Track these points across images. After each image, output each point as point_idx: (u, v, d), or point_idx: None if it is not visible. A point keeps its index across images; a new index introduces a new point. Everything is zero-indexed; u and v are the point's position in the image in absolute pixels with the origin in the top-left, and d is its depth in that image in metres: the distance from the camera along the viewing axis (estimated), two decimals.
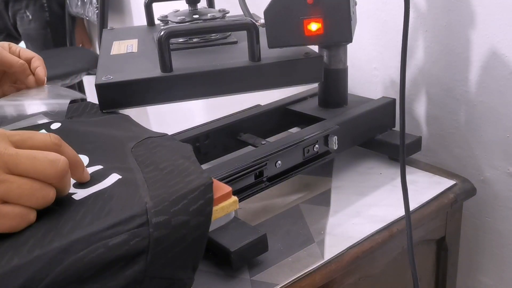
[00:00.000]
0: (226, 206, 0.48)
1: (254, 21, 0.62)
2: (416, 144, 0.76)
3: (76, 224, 0.39)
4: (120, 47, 0.74)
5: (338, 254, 0.58)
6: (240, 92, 0.64)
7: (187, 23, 0.71)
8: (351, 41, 0.63)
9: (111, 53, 0.71)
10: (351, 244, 0.59)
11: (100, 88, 0.60)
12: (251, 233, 0.55)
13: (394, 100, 0.78)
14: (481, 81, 0.73)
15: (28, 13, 1.95)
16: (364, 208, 0.66)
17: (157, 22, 0.83)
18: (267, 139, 0.73)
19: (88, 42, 2.21)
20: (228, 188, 0.49)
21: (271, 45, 0.64)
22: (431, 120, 0.82)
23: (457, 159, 0.80)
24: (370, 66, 0.89)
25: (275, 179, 0.64)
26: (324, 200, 0.68)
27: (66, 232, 0.38)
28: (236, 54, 0.67)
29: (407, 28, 0.59)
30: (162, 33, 0.59)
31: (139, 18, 1.75)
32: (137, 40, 0.77)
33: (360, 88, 0.91)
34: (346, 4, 0.61)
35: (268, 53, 0.65)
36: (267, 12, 0.62)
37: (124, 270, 0.37)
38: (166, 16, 0.75)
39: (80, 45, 2.19)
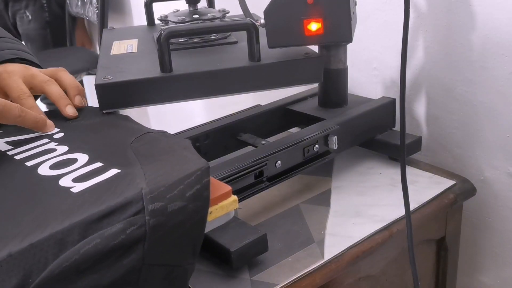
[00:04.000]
0: (226, 205, 0.48)
1: (254, 21, 0.62)
2: (416, 144, 0.76)
3: (71, 213, 0.39)
4: (120, 47, 0.74)
5: (338, 254, 0.58)
6: (240, 92, 0.64)
7: (187, 23, 0.71)
8: (351, 41, 0.63)
9: (111, 53, 0.71)
10: (351, 244, 0.59)
11: (100, 88, 0.60)
12: (251, 233, 0.55)
13: (394, 100, 0.78)
14: (481, 81, 0.73)
15: (27, 13, 1.95)
16: (364, 208, 0.66)
17: (157, 22, 0.83)
18: (267, 139, 0.73)
19: (88, 42, 2.21)
20: (227, 188, 0.49)
21: (271, 45, 0.64)
22: (431, 120, 0.82)
23: (457, 159, 0.80)
24: (370, 66, 0.89)
25: (275, 179, 0.64)
26: (324, 200, 0.68)
27: (60, 220, 0.38)
28: (236, 54, 0.67)
29: (407, 28, 0.59)
30: (161, 33, 0.59)
31: (139, 18, 1.75)
32: (137, 40, 0.77)
33: (360, 88, 0.91)
34: (346, 4, 0.61)
35: (268, 53, 0.65)
36: (267, 12, 0.62)
37: (122, 260, 0.37)
38: (166, 16, 0.75)
39: (81, 45, 2.18)
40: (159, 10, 0.82)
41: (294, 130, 0.82)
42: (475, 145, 0.77)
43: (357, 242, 0.59)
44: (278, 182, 0.65)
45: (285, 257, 0.57)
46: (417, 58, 0.81)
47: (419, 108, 0.83)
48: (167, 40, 0.59)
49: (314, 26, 0.62)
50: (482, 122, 0.75)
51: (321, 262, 0.56)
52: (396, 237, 0.62)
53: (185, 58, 0.67)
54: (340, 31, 0.62)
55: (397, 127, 0.77)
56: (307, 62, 0.65)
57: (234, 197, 0.49)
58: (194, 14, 0.73)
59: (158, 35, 0.59)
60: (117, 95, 0.60)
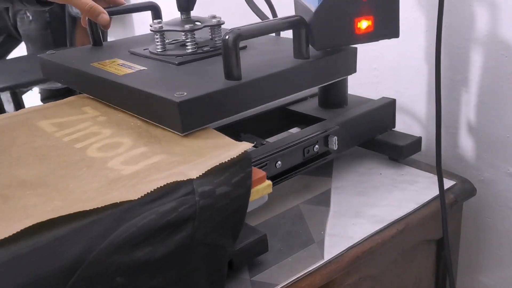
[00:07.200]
0: (261, 189, 0.50)
1: (303, 18, 0.60)
2: (416, 144, 0.76)
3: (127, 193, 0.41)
4: (114, 68, 0.67)
5: (338, 254, 0.58)
6: (296, 91, 0.63)
7: (250, 24, 0.67)
8: (398, 36, 0.63)
9: (121, 75, 0.64)
10: (351, 244, 0.59)
11: (183, 106, 0.53)
12: (251, 233, 0.55)
13: (394, 100, 0.78)
14: (481, 81, 0.73)
15: (28, 14, 1.95)
16: (364, 208, 0.66)
17: (141, 33, 0.80)
18: (267, 139, 0.73)
19: (88, 42, 2.20)
20: (262, 173, 0.51)
21: (319, 47, 0.62)
22: (431, 120, 0.82)
23: (457, 159, 0.80)
24: (370, 66, 0.89)
25: (275, 179, 0.64)
26: (324, 200, 0.68)
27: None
28: (258, 58, 0.66)
29: (441, 30, 0.59)
30: (228, 37, 0.55)
31: (139, 19, 1.75)
32: (120, 59, 0.71)
33: (360, 88, 0.91)
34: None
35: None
36: (317, 13, 0.60)
37: (174, 235, 0.41)
38: (161, 27, 0.71)
39: (81, 45, 2.18)
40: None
41: (294, 130, 0.82)
42: (475, 145, 0.77)
43: (357, 242, 0.59)
44: (278, 182, 0.65)
45: (285, 257, 0.57)
46: (417, 58, 0.81)
47: (419, 108, 0.83)
48: (235, 43, 0.55)
49: (364, 24, 0.61)
50: (482, 122, 0.75)
51: (321, 262, 0.56)
52: (396, 238, 0.62)
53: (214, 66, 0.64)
54: (389, 27, 0.62)
55: (397, 128, 0.77)
56: (346, 55, 0.66)
57: (269, 182, 0.51)
58: (196, 21, 0.72)
59: (224, 38, 0.55)
60: (199, 111, 0.55)
